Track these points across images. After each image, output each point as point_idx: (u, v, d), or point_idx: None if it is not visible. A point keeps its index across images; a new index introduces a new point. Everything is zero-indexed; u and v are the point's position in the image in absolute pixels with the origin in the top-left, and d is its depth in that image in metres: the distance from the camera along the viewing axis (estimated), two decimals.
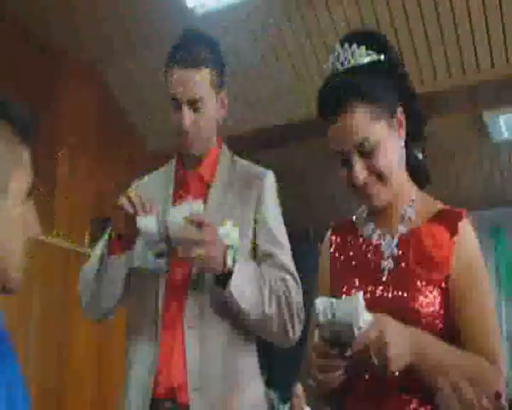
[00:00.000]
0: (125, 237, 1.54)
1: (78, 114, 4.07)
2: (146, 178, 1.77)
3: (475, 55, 3.47)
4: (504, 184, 5.16)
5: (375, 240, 1.31)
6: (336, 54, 1.26)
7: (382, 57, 1.25)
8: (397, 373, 1.10)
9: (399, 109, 1.26)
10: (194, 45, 1.58)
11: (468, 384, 0.91)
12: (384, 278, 1.25)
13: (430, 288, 1.20)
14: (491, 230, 5.48)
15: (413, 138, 1.31)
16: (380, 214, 1.32)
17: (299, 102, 4.00)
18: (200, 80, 1.56)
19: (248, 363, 1.57)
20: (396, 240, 1.28)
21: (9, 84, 3.39)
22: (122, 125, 4.48)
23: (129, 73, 4.22)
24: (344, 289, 1.28)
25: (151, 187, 1.69)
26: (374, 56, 1.24)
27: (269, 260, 1.57)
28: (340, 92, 1.21)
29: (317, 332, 1.16)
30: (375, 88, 1.22)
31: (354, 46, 1.24)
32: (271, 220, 1.62)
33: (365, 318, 1.08)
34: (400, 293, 1.21)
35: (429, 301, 1.19)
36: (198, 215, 1.43)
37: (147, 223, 1.46)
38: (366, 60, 1.23)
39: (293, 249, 1.64)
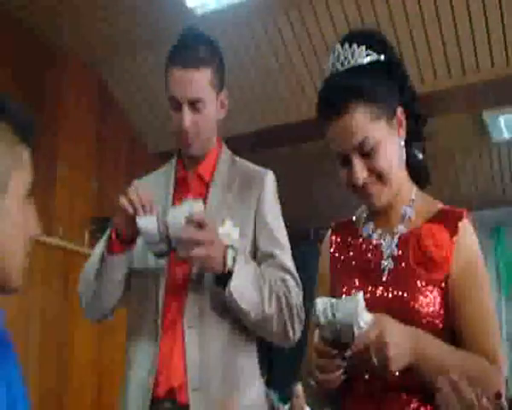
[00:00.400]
0: (126, 237, 1.54)
1: (77, 114, 4.07)
2: (144, 178, 1.77)
3: (475, 55, 3.47)
4: (504, 184, 5.16)
5: (375, 240, 1.31)
6: (336, 54, 1.26)
7: (382, 57, 1.25)
8: (397, 373, 1.10)
9: (399, 109, 1.26)
10: (194, 45, 1.57)
11: (467, 384, 0.91)
12: (384, 278, 1.25)
13: (430, 288, 1.20)
14: (491, 230, 5.47)
15: (413, 138, 1.31)
16: (380, 214, 1.32)
17: (299, 101, 4.00)
18: (201, 81, 1.56)
19: (248, 363, 1.57)
20: (396, 240, 1.27)
21: (9, 84, 3.39)
22: (122, 125, 4.49)
23: (129, 73, 4.22)
24: (344, 290, 1.28)
25: (151, 187, 1.68)
26: (374, 56, 1.24)
27: (269, 260, 1.57)
28: (341, 92, 1.21)
29: (317, 332, 1.15)
30: (375, 88, 1.21)
31: (354, 46, 1.24)
32: (271, 220, 1.62)
33: (365, 318, 1.08)
34: (400, 293, 1.21)
35: (429, 301, 1.19)
36: (198, 215, 1.43)
37: (147, 223, 1.46)
38: (366, 60, 1.23)
39: (293, 249, 1.63)
